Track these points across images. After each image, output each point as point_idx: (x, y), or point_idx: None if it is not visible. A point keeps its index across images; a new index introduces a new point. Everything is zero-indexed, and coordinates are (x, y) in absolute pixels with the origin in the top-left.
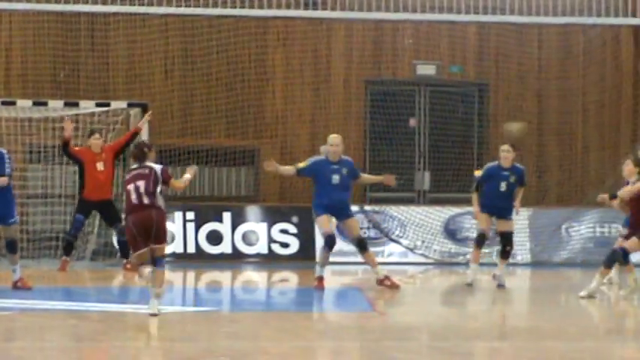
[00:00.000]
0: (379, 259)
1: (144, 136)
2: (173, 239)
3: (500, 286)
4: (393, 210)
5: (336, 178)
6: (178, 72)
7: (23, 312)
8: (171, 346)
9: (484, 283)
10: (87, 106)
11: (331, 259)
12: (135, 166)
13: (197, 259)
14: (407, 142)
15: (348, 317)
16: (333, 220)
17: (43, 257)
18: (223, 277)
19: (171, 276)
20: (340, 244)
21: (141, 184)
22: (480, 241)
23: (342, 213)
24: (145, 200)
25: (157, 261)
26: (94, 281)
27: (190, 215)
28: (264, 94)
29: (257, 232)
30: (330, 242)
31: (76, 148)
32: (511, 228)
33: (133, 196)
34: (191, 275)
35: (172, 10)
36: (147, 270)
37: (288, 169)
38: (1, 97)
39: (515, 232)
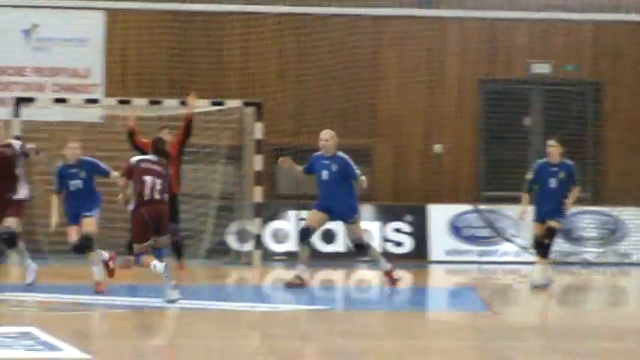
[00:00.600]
0: (493, 259)
1: (257, 134)
2: (287, 238)
3: (537, 287)
4: (508, 209)
5: (325, 174)
6: (293, 71)
7: (137, 310)
8: (285, 344)
9: (597, 283)
10: (201, 105)
11: (446, 257)
12: (151, 158)
13: (311, 258)
14: (521, 141)
15: (462, 317)
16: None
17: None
18: (337, 275)
19: (286, 274)
20: (453, 243)
21: (158, 181)
22: (538, 247)
23: (339, 213)
24: (158, 196)
25: (161, 252)
26: (209, 279)
27: (305, 214)
28: (378, 92)
29: (370, 231)
30: (301, 234)
31: (143, 140)
32: (557, 225)
33: (147, 190)
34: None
35: (287, 9)
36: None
37: (300, 169)
38: (118, 96)
39: (631, 231)
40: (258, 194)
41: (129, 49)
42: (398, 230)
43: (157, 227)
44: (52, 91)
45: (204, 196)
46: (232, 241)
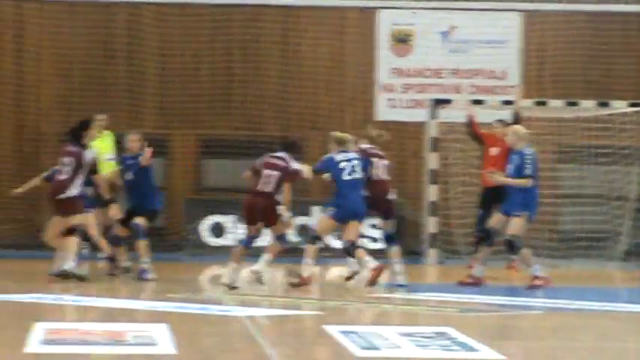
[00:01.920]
0: None
1: None
2: None
3: None
4: None
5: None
6: None
7: (553, 311)
8: None
9: None
10: (619, 106)
11: None
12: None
13: None
14: None
15: None
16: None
17: (574, 257)
18: None
19: None
20: None
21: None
22: None
23: None
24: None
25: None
26: (627, 282)
27: None
28: None
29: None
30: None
31: (483, 132)
32: None
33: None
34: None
35: None
36: None
37: None
38: (534, 98)
39: None
40: None
41: (545, 51)
42: None
43: None
44: (469, 92)
45: (621, 197)
46: None
